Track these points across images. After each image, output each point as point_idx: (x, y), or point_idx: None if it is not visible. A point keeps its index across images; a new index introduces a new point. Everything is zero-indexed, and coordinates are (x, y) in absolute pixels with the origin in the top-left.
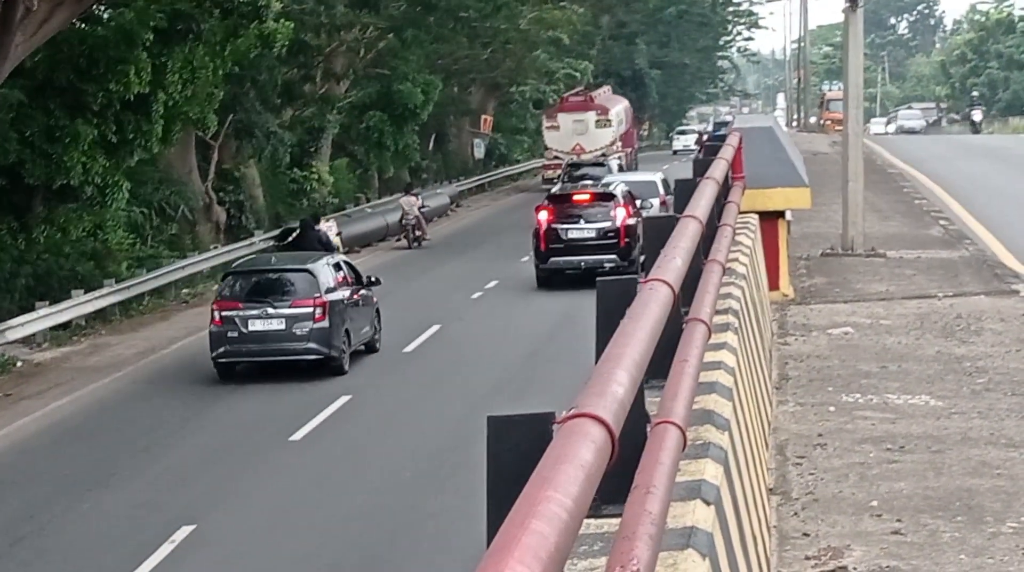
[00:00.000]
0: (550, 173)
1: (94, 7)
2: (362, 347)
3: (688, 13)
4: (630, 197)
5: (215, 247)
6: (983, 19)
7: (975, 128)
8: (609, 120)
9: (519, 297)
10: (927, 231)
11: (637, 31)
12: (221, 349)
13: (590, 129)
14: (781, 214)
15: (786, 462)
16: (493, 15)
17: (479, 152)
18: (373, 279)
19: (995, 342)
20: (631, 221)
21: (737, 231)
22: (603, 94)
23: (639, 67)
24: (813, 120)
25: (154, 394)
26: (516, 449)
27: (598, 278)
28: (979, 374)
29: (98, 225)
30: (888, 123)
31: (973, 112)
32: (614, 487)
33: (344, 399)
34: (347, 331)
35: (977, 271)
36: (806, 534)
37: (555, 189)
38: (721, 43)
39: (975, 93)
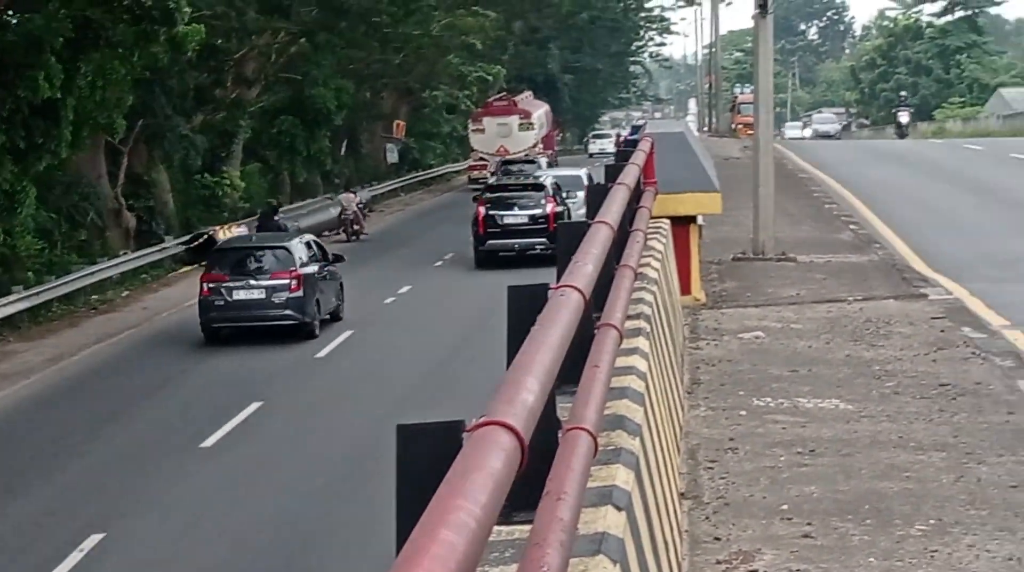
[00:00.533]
0: (476, 173)
1: (2, 14)
2: (328, 316)
3: (600, 18)
4: (557, 189)
5: (125, 253)
6: (891, 25)
7: (901, 131)
8: (531, 123)
9: (432, 302)
10: (837, 235)
11: (549, 36)
12: (210, 314)
13: (513, 132)
14: (693, 219)
15: (698, 466)
16: (405, 20)
17: (392, 157)
18: (338, 254)
19: (904, 346)
20: (559, 209)
21: (649, 236)
22: (525, 99)
23: (552, 72)
24: (727, 123)
25: (63, 401)
26: (426, 458)
27: (508, 286)
28: (888, 378)
29: (7, 231)
30: (804, 127)
31: (899, 113)
32: (525, 494)
33: (255, 405)
34: (318, 301)
35: (886, 275)
36: (717, 538)
37: (491, 181)
38: (633, 48)
39: (903, 93)
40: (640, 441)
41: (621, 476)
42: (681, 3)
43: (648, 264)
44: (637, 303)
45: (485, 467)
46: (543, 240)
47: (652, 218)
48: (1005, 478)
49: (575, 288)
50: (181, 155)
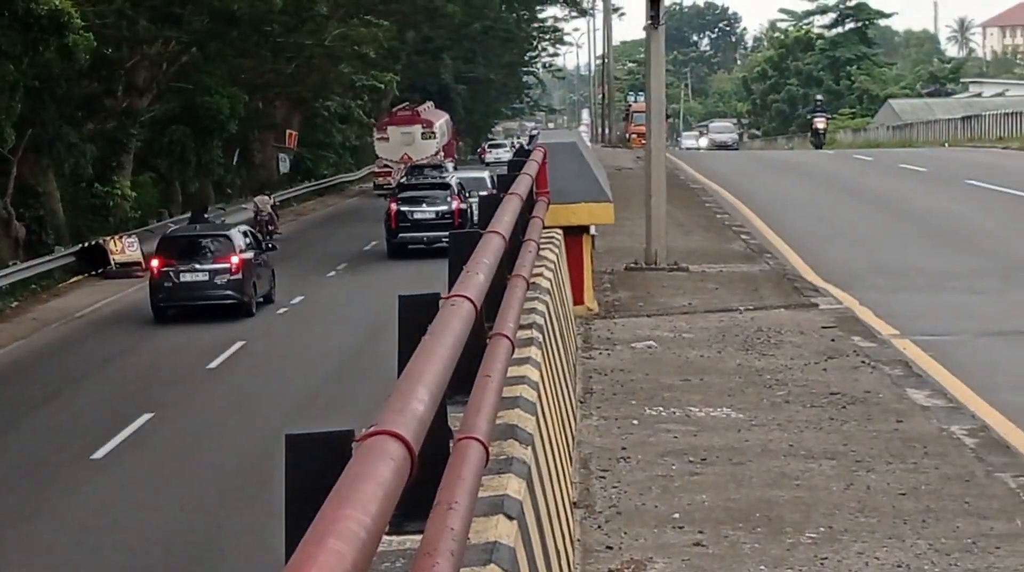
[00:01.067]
0: (381, 180)
1: None
2: (261, 298)
3: (493, 29)
4: (461, 188)
5: (14, 263)
6: (782, 37)
7: (818, 140)
8: (434, 132)
9: (326, 312)
10: (729, 245)
11: (443, 46)
12: (159, 295)
13: (416, 140)
14: (585, 229)
15: (590, 475)
16: (297, 30)
17: (284, 167)
18: (271, 246)
19: (794, 355)
20: (463, 206)
21: (542, 246)
22: (427, 109)
23: (445, 82)
24: (619, 133)
25: None
26: (315, 467)
27: (399, 295)
28: (779, 386)
29: None
30: (700, 137)
31: (816, 119)
32: (417, 503)
33: (146, 417)
34: (254, 283)
35: (777, 285)
36: (609, 547)
37: (403, 180)
38: (526, 59)
39: (819, 97)
40: (532, 451)
41: (513, 485)
42: (574, 14)
43: (541, 274)
44: (529, 313)
45: (374, 476)
46: (449, 233)
47: (545, 228)
48: (894, 486)
49: (466, 297)
50: (71, 165)
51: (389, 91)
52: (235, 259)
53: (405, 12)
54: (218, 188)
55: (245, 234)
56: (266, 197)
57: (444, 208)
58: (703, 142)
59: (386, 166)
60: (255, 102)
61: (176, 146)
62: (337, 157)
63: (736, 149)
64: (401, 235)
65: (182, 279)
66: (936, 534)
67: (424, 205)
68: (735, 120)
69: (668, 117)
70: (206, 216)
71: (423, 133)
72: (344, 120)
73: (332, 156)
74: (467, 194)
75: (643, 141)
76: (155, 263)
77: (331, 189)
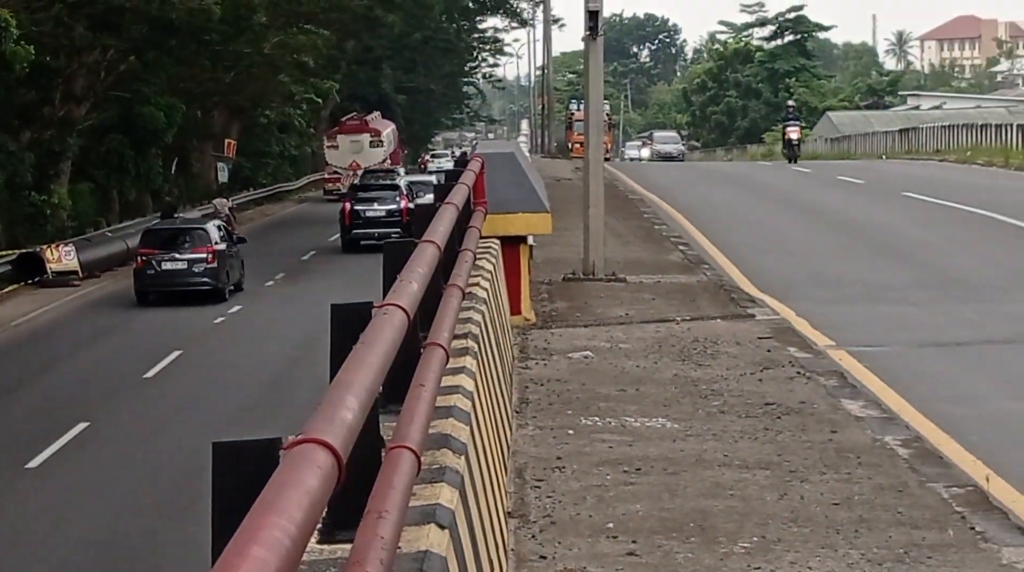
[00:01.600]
0: (331, 186)
1: None
2: (232, 286)
3: (433, 39)
4: (410, 190)
5: None
6: (722, 49)
7: (792, 152)
8: (381, 141)
9: (263, 321)
10: (667, 257)
11: (383, 56)
12: (143, 282)
13: (365, 148)
14: (523, 239)
15: (525, 485)
16: (236, 39)
17: (223, 176)
18: (241, 239)
19: (730, 365)
20: (411, 206)
21: (479, 256)
22: (375, 118)
23: (385, 92)
24: (561, 142)
25: None
26: (242, 475)
27: (332, 304)
28: (714, 397)
29: None
30: (643, 147)
31: (788, 128)
32: (348, 512)
33: (82, 426)
34: (227, 272)
35: (714, 296)
36: (543, 556)
37: (356, 182)
38: (466, 69)
39: (791, 103)
40: (465, 460)
41: (445, 495)
42: (514, 25)
43: (477, 284)
44: (465, 322)
45: (300, 484)
46: (398, 230)
47: (482, 238)
48: (827, 496)
49: (399, 307)
50: (8, 173)
51: (330, 101)
52: (210, 250)
53: (345, 21)
54: (156, 197)
55: (219, 228)
56: (224, 199)
57: (393, 207)
58: (645, 152)
59: (335, 172)
60: (194, 111)
61: (114, 155)
62: (276, 166)
63: (681, 160)
64: (354, 231)
65: (163, 267)
66: (869, 544)
67: (376, 204)
68: (674, 131)
69: (614, 126)
70: (175, 216)
71: (371, 141)
72: (283, 129)
73: (271, 165)
74: (415, 195)
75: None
76: (140, 253)
77: (271, 198)
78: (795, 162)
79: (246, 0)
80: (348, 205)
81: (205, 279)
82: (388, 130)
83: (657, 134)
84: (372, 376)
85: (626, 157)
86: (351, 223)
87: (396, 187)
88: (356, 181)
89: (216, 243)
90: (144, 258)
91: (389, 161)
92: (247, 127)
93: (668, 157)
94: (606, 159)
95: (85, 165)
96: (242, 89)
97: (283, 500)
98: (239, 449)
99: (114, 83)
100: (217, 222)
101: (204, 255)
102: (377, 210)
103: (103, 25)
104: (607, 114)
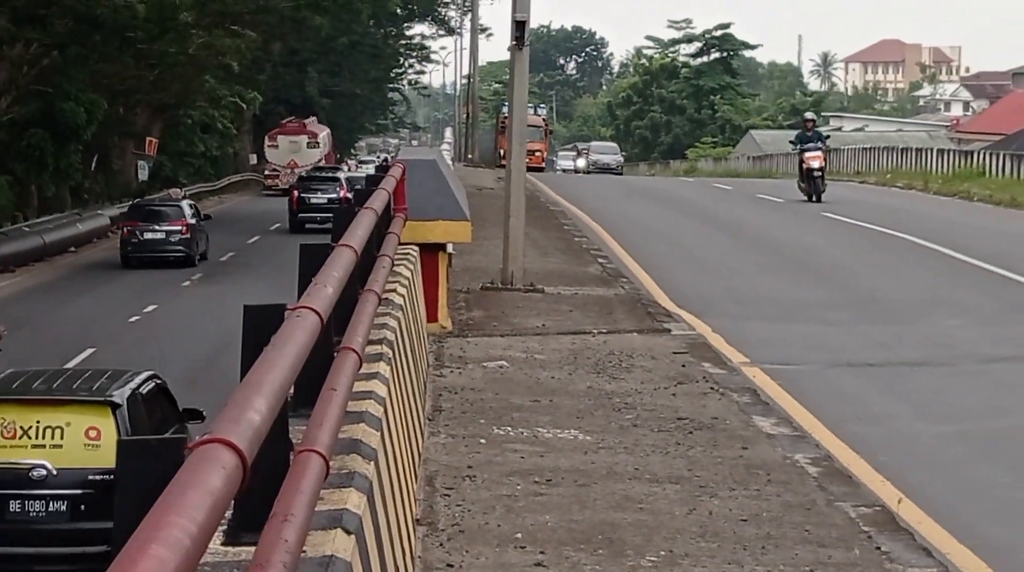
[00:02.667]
0: (270, 182)
1: None
2: (200, 254)
3: (360, 44)
4: (349, 182)
5: None
6: (648, 63)
7: (815, 187)
8: (318, 143)
9: (179, 322)
10: (585, 269)
11: (309, 59)
12: (127, 249)
13: (302, 149)
14: (442, 247)
15: (435, 493)
16: (161, 37)
17: (143, 174)
18: (207, 214)
19: (645, 379)
20: (349, 194)
21: (397, 262)
22: (312, 122)
23: (309, 95)
24: (482, 155)
25: None
26: (147, 473)
27: (245, 305)
28: (627, 410)
29: None
30: (578, 158)
31: (807, 155)
32: (254, 515)
33: None
34: (197, 242)
35: (631, 309)
36: (450, 565)
37: (303, 174)
38: (392, 75)
39: (809, 116)
40: (375, 466)
41: (353, 500)
42: (442, 33)
43: (394, 290)
44: (380, 328)
45: (203, 484)
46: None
47: (401, 244)
48: (736, 512)
49: (312, 309)
50: None
51: (253, 104)
52: (184, 224)
53: (272, 23)
54: (75, 193)
55: (191, 206)
56: (178, 190)
57: (334, 195)
58: (581, 163)
59: (275, 170)
60: (116, 108)
61: (34, 150)
62: (198, 166)
63: (619, 173)
64: (301, 215)
65: (145, 237)
66: (775, 561)
67: (319, 193)
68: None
69: (551, 132)
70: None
71: (308, 142)
72: (206, 130)
73: (193, 164)
74: (353, 187)
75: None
76: (124, 224)
77: (190, 197)
78: (818, 199)
79: None
80: (296, 193)
81: (180, 248)
82: (324, 133)
83: (595, 144)
84: (281, 378)
85: (558, 168)
86: (298, 208)
87: (337, 179)
88: (294, 179)
89: (189, 218)
90: (129, 229)
91: (324, 161)
92: (169, 126)
93: (606, 168)
94: (539, 169)
95: (4, 159)
96: (165, 88)
97: (185, 499)
98: (144, 447)
99: (36, 77)
100: (191, 201)
101: (179, 228)
102: (320, 198)
103: (27, 19)
104: (543, 119)
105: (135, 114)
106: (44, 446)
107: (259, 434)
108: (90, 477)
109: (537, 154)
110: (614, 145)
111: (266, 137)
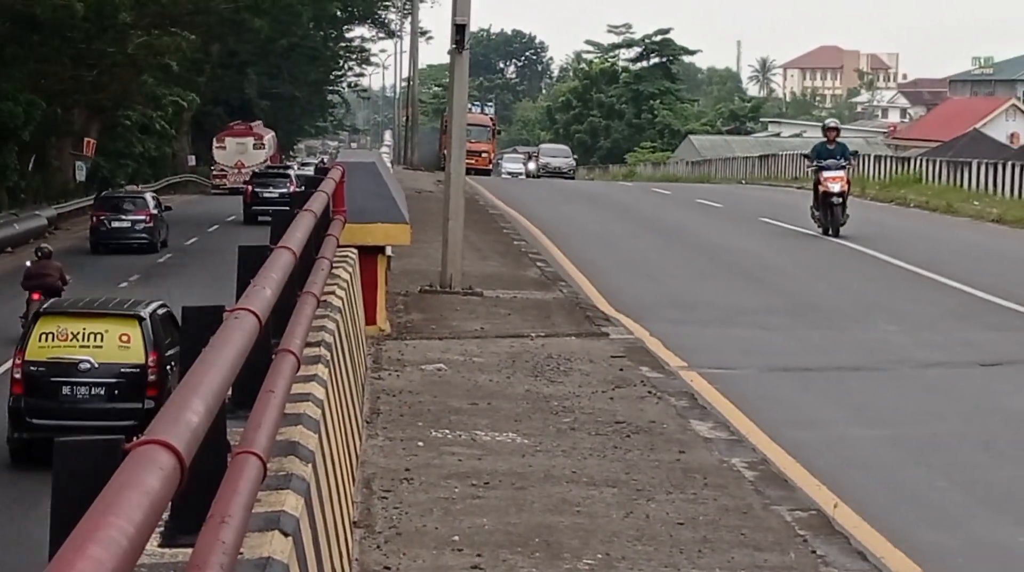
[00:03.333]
0: (218, 181)
1: None
2: (162, 241)
3: (300, 46)
4: (298, 178)
5: None
6: (588, 68)
7: (831, 217)
8: (263, 144)
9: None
10: (524, 272)
11: (248, 61)
12: (97, 236)
13: (249, 150)
14: (381, 249)
15: (372, 496)
16: (99, 37)
17: (80, 175)
18: (168, 206)
19: (582, 383)
20: (298, 190)
21: (336, 265)
22: (258, 125)
23: (248, 97)
24: (423, 158)
25: None
26: (83, 474)
27: (183, 307)
28: (565, 413)
29: None
30: (528, 161)
31: (825, 175)
32: (192, 516)
33: None
34: (159, 230)
35: (570, 313)
36: (387, 567)
37: (256, 170)
38: (332, 77)
39: (832, 122)
40: (313, 468)
41: (290, 502)
42: (382, 35)
43: (333, 292)
44: (319, 331)
45: (140, 485)
46: (287, 208)
47: (340, 247)
48: (672, 515)
49: (251, 311)
50: None
51: (192, 106)
52: (148, 213)
53: (211, 24)
54: (12, 194)
55: (154, 197)
56: (134, 187)
57: (285, 190)
58: (532, 166)
59: (222, 170)
60: (54, 108)
61: None
62: (136, 167)
63: (572, 177)
64: (254, 207)
65: (112, 225)
66: (711, 564)
67: (271, 188)
68: (535, 149)
69: (499, 132)
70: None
71: (254, 144)
72: (145, 131)
73: (131, 166)
74: (302, 184)
75: (467, 161)
76: (93, 214)
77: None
78: (836, 233)
79: None
80: (250, 188)
81: (144, 235)
82: (269, 135)
83: (545, 147)
84: (219, 380)
85: (504, 172)
86: (252, 201)
87: (288, 175)
88: (240, 178)
89: (152, 209)
90: (98, 218)
91: (270, 162)
92: (108, 127)
93: (557, 172)
94: (486, 172)
95: None
96: (104, 88)
97: (122, 500)
98: (81, 448)
99: None
100: (153, 194)
101: (144, 217)
102: (272, 192)
103: None
104: (491, 118)
105: (73, 114)
106: (88, 346)
107: (197, 435)
108: (122, 370)
109: (483, 155)
110: (565, 147)
111: (214, 139)
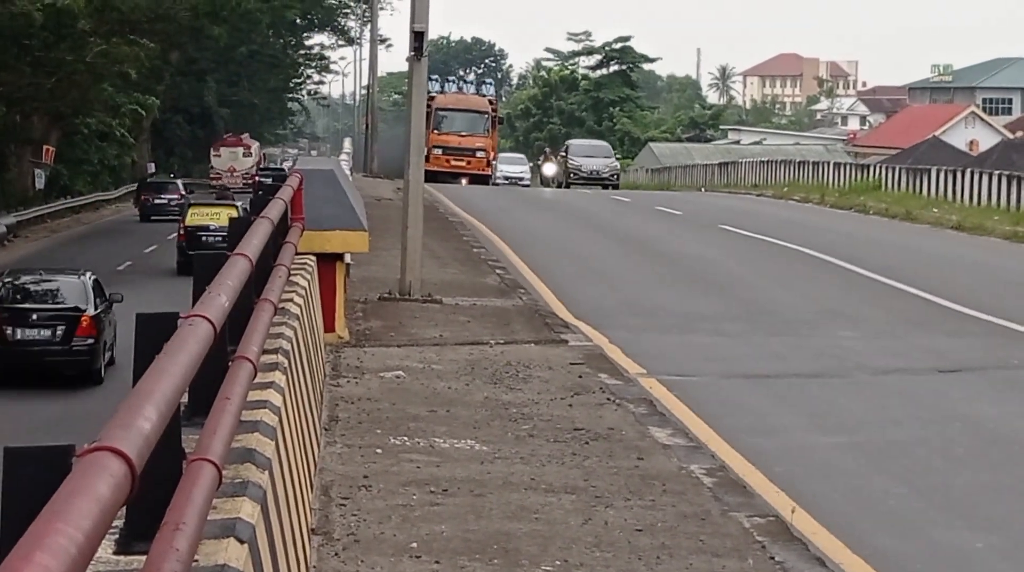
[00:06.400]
0: (214, 182)
1: None
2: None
3: (259, 54)
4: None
5: None
6: (547, 76)
7: None
8: (251, 153)
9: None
10: (483, 279)
11: (207, 68)
12: (144, 210)
13: (239, 157)
14: (340, 257)
15: (330, 503)
16: (58, 45)
17: (40, 182)
18: (191, 190)
19: (541, 390)
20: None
21: (294, 272)
22: (247, 137)
23: (208, 104)
24: (383, 165)
25: None
26: (33, 481)
27: (137, 314)
28: (524, 421)
29: None
30: (546, 162)
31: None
32: (146, 523)
33: None
34: (186, 206)
35: (529, 320)
36: None
37: (260, 168)
38: (292, 85)
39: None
40: (269, 475)
41: (246, 509)
42: (341, 43)
43: (291, 299)
44: (276, 338)
45: (90, 492)
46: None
47: (298, 254)
48: (631, 522)
49: (205, 318)
50: None
51: (151, 114)
52: (179, 194)
53: (170, 32)
54: None
55: (183, 184)
56: (169, 175)
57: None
58: (550, 171)
59: (218, 174)
60: (12, 116)
61: None
62: (95, 175)
63: (616, 185)
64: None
65: (155, 202)
66: (670, 570)
67: (163, 194)
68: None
69: (500, 121)
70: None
71: (243, 152)
72: (104, 138)
73: (90, 174)
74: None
75: (450, 162)
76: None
77: (88, 206)
78: None
79: (68, 7)
80: (257, 179)
81: (177, 209)
82: (255, 145)
83: (576, 143)
84: (173, 386)
85: (499, 177)
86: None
87: (283, 171)
88: (233, 180)
89: (182, 190)
90: (145, 197)
91: (255, 168)
92: (67, 135)
93: (516, 181)
94: (484, 179)
95: None
96: (63, 96)
97: (72, 507)
98: (31, 455)
99: None
100: (181, 180)
101: (176, 196)
102: (163, 198)
103: None
104: (490, 100)
105: (32, 122)
106: None
107: (149, 442)
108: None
109: (478, 155)
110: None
111: (211, 148)
